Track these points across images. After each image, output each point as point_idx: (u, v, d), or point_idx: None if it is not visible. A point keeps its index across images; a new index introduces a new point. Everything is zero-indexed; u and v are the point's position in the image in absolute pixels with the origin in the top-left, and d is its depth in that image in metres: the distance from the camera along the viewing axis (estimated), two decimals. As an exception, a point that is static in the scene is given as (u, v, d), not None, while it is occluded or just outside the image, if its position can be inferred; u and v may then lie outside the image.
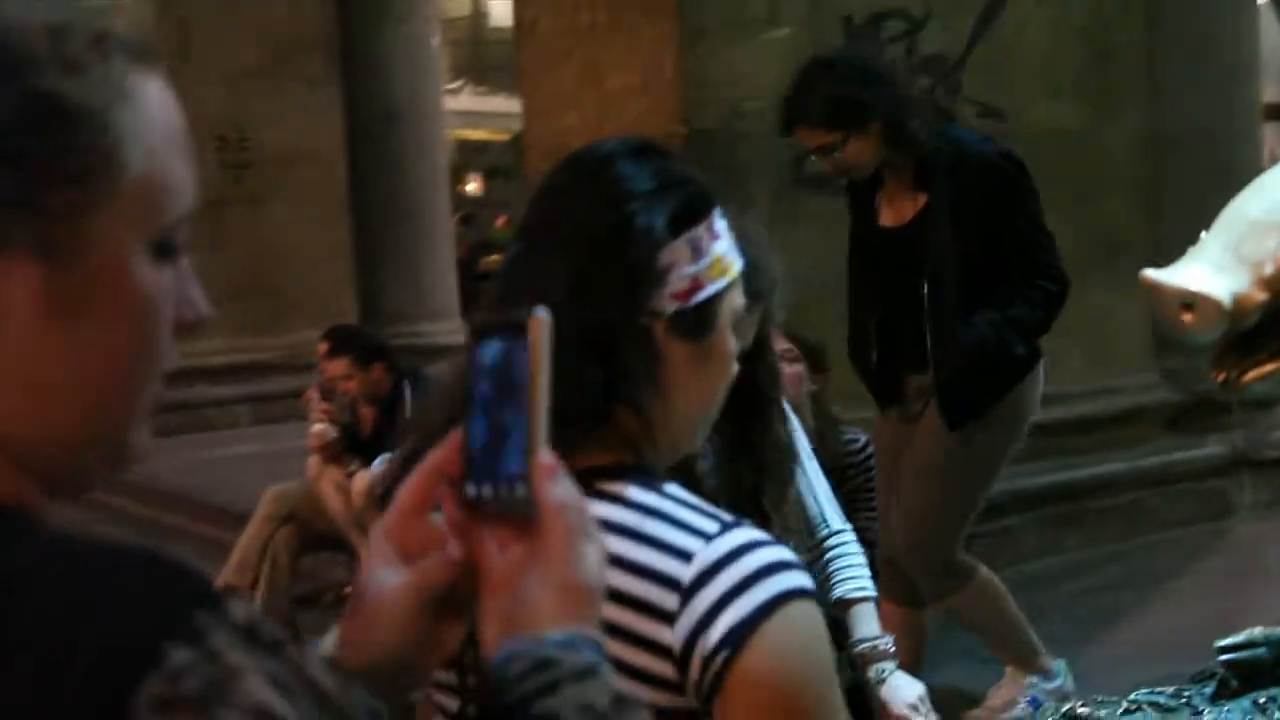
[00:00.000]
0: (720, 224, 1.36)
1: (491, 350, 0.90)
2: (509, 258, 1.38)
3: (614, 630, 1.20)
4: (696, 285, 1.33)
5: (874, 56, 3.74)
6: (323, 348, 5.20)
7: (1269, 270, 2.01)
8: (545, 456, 0.88)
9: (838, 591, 2.65)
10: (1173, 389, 5.36)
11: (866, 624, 2.64)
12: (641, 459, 1.34)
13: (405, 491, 0.93)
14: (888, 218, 3.74)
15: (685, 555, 1.26)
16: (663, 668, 1.26)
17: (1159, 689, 3.19)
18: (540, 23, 5.38)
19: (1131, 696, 3.14)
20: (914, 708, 2.57)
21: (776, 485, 2.54)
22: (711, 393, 1.40)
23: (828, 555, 2.68)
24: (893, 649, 2.64)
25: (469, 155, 15.97)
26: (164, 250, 0.76)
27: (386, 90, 9.36)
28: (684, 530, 1.28)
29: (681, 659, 1.25)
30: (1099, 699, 3.11)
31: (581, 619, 0.88)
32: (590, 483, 1.25)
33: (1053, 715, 3.01)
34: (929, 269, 3.58)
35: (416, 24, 9.66)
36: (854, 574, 2.68)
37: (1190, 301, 1.99)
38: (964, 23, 5.25)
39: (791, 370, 3.50)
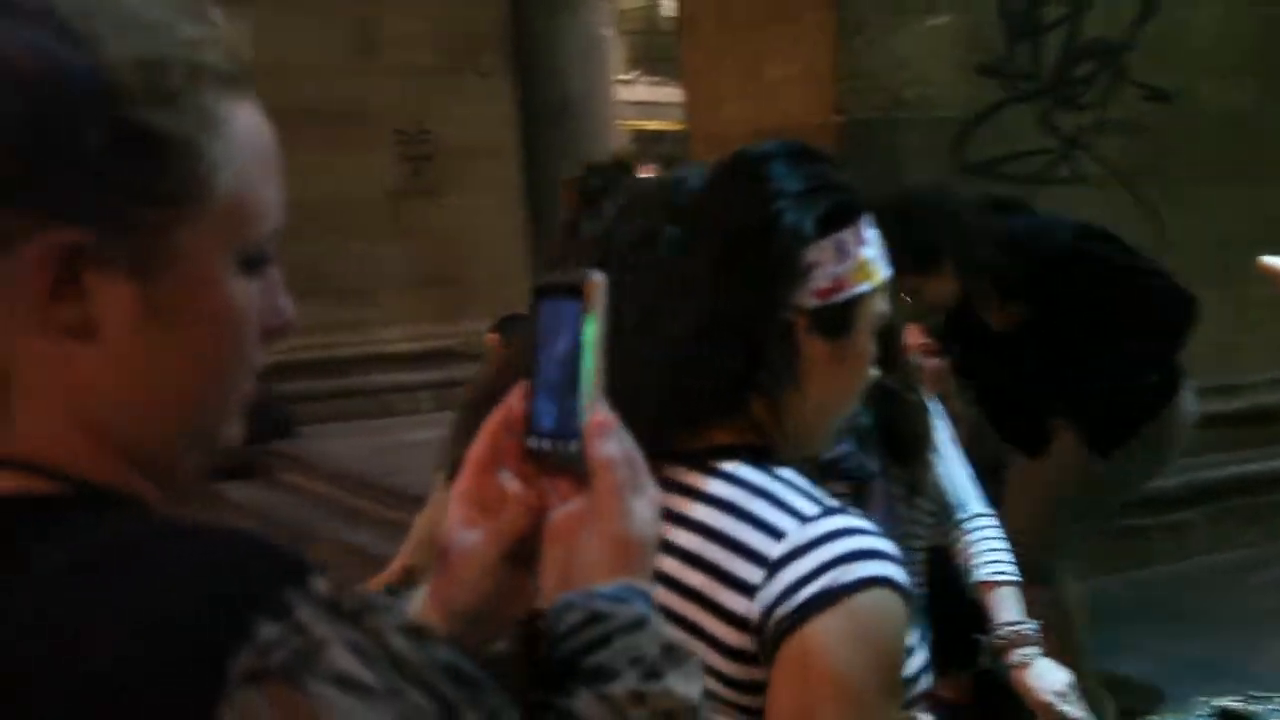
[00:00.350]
0: (870, 231, 1.41)
1: (553, 310, 0.93)
2: (666, 246, 1.42)
3: (696, 597, 1.31)
4: (839, 285, 1.39)
5: (944, 192, 3.83)
6: (492, 337, 5.37)
7: None
8: (599, 413, 0.91)
9: (977, 575, 2.67)
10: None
11: (1007, 608, 2.63)
12: (765, 444, 1.39)
13: (476, 449, 0.95)
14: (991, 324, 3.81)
15: (778, 533, 1.31)
16: (739, 638, 1.30)
17: (1318, 680, 3.14)
18: (702, 16, 5.48)
19: (1293, 693, 3.11)
20: (1060, 695, 2.54)
21: (911, 468, 2.61)
22: (846, 391, 1.44)
23: (968, 538, 2.71)
24: (1036, 634, 2.62)
25: (644, 145, 16.16)
26: (251, 264, 0.81)
27: (560, 82, 9.56)
28: (783, 510, 1.32)
29: (758, 630, 1.29)
30: (1254, 694, 3.08)
31: (631, 571, 0.89)
32: (709, 460, 1.36)
33: (1208, 711, 2.99)
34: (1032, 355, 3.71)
35: (589, 16, 9.83)
36: (994, 557, 2.68)
37: None
38: (1127, 3, 5.18)
39: (932, 364, 3.54)
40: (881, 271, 1.42)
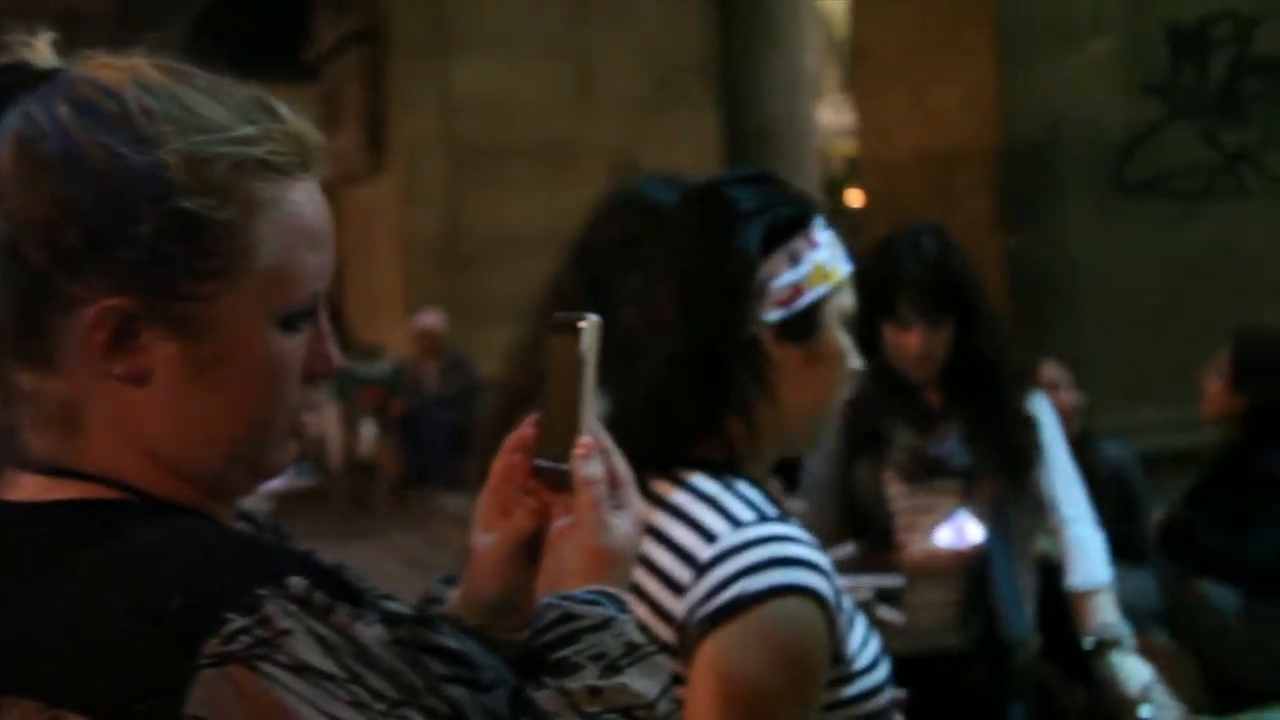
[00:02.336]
0: (821, 234, 1.48)
1: (560, 344, 1.05)
2: (632, 289, 1.57)
3: (641, 595, 1.38)
4: (798, 292, 1.44)
5: None
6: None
7: None
8: (587, 437, 1.02)
9: (1068, 581, 2.70)
10: None
11: (1098, 613, 2.64)
12: (732, 458, 1.45)
13: (498, 463, 1.07)
14: None
15: (712, 537, 1.37)
16: (669, 634, 1.36)
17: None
18: (873, 42, 5.67)
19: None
20: (1142, 694, 2.54)
21: (1018, 465, 2.67)
22: (827, 390, 1.50)
23: (1062, 540, 2.75)
24: (1126, 637, 2.62)
25: (855, 169, 16.23)
26: (290, 323, 0.95)
27: (762, 110, 9.79)
28: (721, 515, 1.38)
29: (681, 627, 1.36)
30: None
31: (605, 579, 0.98)
32: (679, 472, 1.45)
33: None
34: None
35: (793, 44, 10.05)
36: (1086, 562, 2.70)
37: None
38: (1299, 19, 5.16)
39: (1064, 398, 3.52)
40: (840, 270, 1.48)
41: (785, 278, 1.44)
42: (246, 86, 0.96)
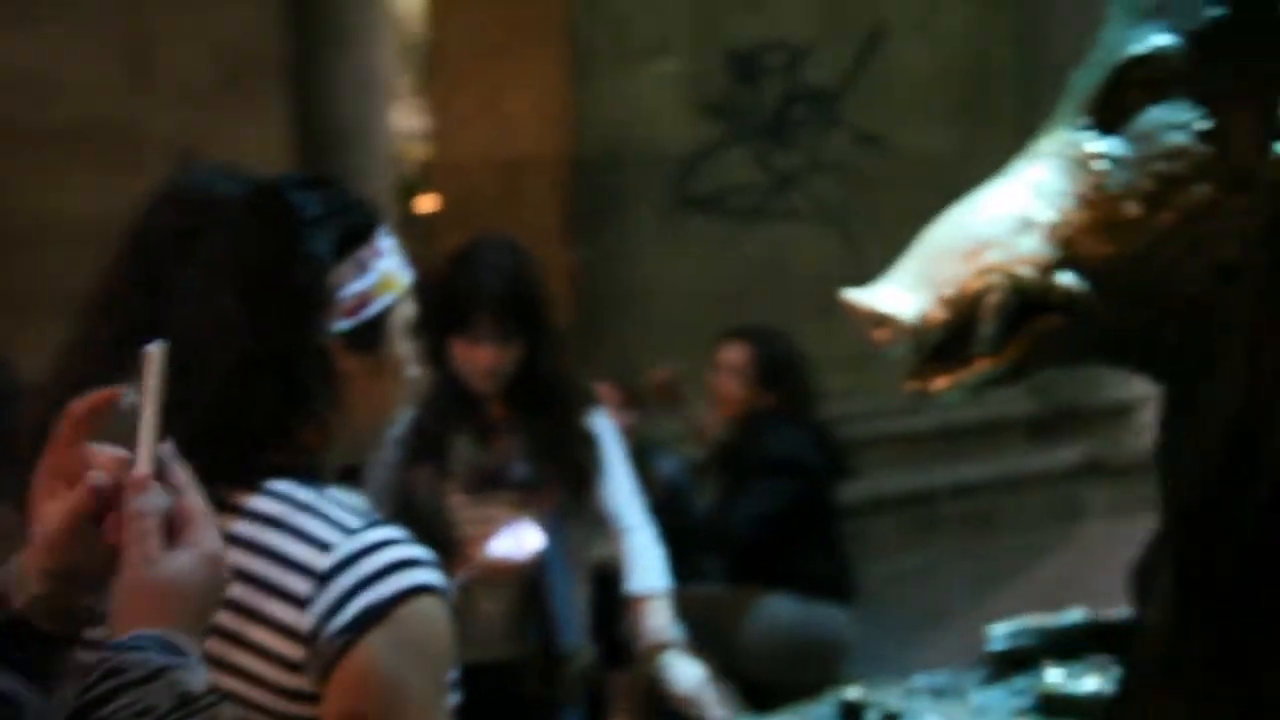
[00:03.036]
0: (386, 242, 1.49)
1: (145, 368, 1.05)
2: (190, 285, 1.47)
3: (247, 612, 1.35)
4: (365, 301, 1.45)
5: None
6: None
7: (949, 292, 2.21)
8: (139, 469, 1.00)
9: (625, 587, 2.82)
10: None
11: (652, 617, 2.78)
12: (312, 465, 1.44)
13: (57, 432, 1.04)
14: None
15: (326, 546, 1.35)
16: (290, 648, 1.34)
17: (937, 672, 3.41)
18: (449, 47, 5.64)
19: (911, 681, 3.37)
20: (698, 690, 2.72)
21: (577, 479, 2.76)
22: (388, 399, 1.51)
23: (622, 550, 2.85)
24: (677, 639, 2.77)
25: (428, 174, 16.19)
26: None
27: (334, 111, 9.56)
28: (329, 524, 1.37)
29: (310, 640, 1.33)
30: (879, 682, 3.32)
31: (153, 619, 0.94)
32: (258, 479, 1.41)
33: (832, 702, 3.22)
34: None
35: (365, 45, 9.86)
36: (643, 569, 2.83)
37: (880, 319, 2.18)
38: (847, 52, 5.52)
39: (623, 415, 3.68)
40: (403, 279, 1.50)
41: (353, 287, 1.44)
42: None
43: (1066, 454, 5.70)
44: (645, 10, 5.19)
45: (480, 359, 2.68)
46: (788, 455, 3.88)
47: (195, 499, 1.01)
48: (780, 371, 3.94)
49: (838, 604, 4.01)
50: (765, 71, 5.37)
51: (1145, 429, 5.69)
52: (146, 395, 1.02)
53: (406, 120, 12.61)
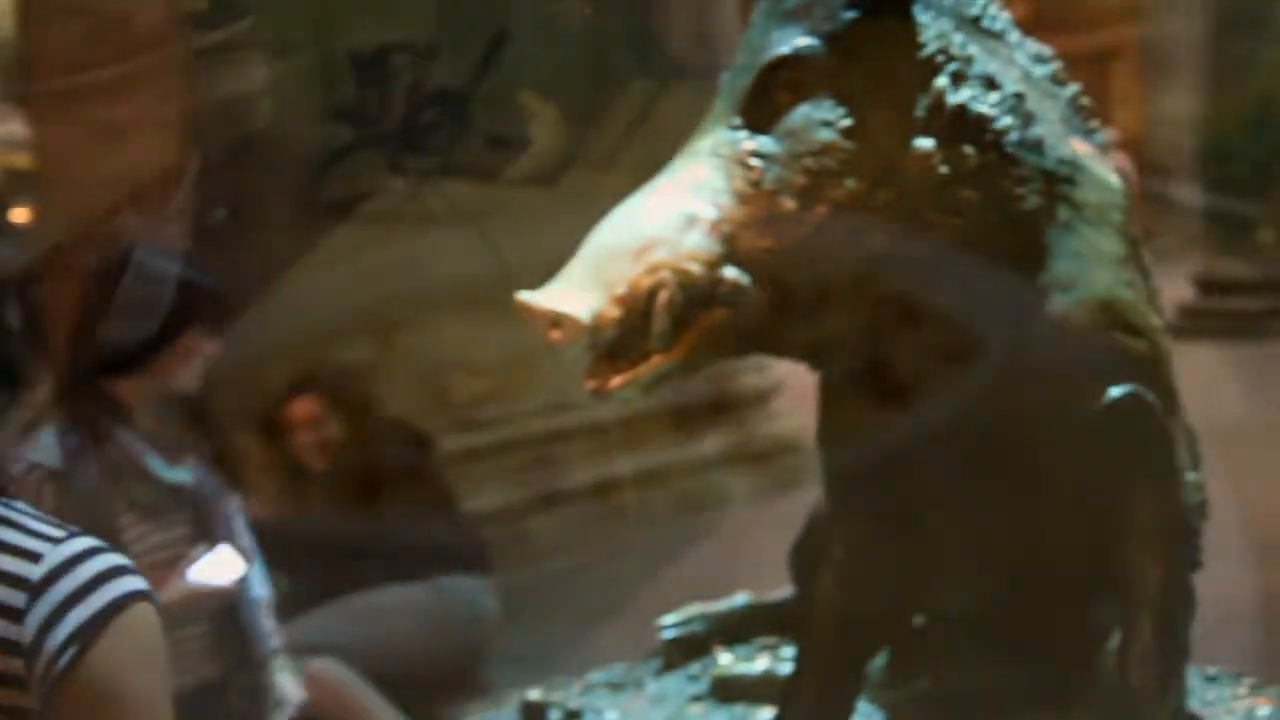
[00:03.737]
0: None
1: None
2: None
3: None
4: None
5: None
6: None
7: (621, 290, 2.25)
8: None
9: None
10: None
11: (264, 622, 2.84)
12: None
13: None
14: None
15: (35, 557, 1.34)
16: (11, 664, 1.32)
17: (613, 667, 3.49)
18: (44, 50, 5.27)
19: (588, 677, 3.43)
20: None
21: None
22: None
23: None
24: (278, 643, 2.85)
25: (18, 182, 15.17)
26: None
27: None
28: (32, 535, 1.36)
29: (29, 655, 1.32)
30: (557, 682, 3.37)
31: None
32: None
33: (515, 704, 3.25)
34: None
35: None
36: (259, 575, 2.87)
37: (557, 320, 2.19)
38: (474, 53, 5.50)
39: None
40: None
41: None
42: None
43: (709, 443, 5.89)
44: (264, 9, 5.02)
45: None
46: None
47: None
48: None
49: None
50: (391, 73, 5.29)
51: (782, 414, 5.97)
52: None
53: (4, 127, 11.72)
